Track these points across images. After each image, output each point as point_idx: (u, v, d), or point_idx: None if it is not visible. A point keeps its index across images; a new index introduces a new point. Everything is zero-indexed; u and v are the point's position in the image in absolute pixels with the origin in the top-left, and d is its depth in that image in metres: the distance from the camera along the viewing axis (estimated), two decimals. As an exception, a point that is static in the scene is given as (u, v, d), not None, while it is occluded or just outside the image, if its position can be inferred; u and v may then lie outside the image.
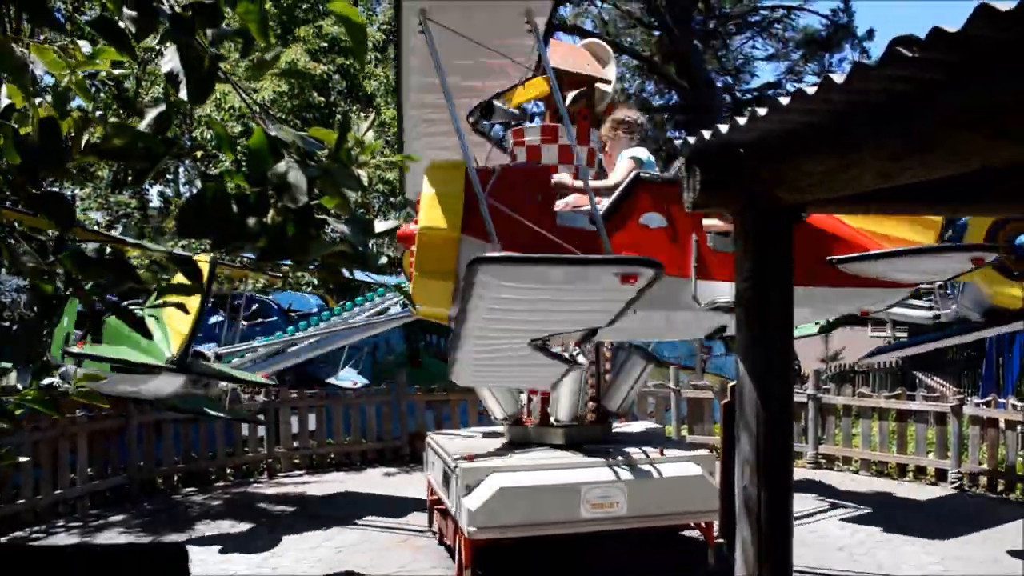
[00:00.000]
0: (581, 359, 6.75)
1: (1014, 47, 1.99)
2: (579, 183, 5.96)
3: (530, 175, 5.65)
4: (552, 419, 7.30)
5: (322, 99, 14.43)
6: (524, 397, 7.64)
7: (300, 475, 10.93)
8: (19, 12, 1.74)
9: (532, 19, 4.81)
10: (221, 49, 1.71)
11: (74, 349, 7.10)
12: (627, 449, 7.07)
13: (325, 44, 14.70)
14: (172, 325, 7.64)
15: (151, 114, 1.84)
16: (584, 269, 4.24)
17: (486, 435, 7.94)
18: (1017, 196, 3.04)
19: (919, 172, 2.48)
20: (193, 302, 7.31)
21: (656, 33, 24.96)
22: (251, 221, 1.62)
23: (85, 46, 1.87)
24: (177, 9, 1.65)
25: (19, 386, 2.13)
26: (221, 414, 9.21)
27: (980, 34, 1.95)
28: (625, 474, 6.65)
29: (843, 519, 8.55)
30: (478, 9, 4.79)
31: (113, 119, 1.82)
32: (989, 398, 9.97)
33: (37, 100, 1.85)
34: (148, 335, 1.99)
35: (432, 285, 5.27)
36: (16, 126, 1.78)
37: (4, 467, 6.21)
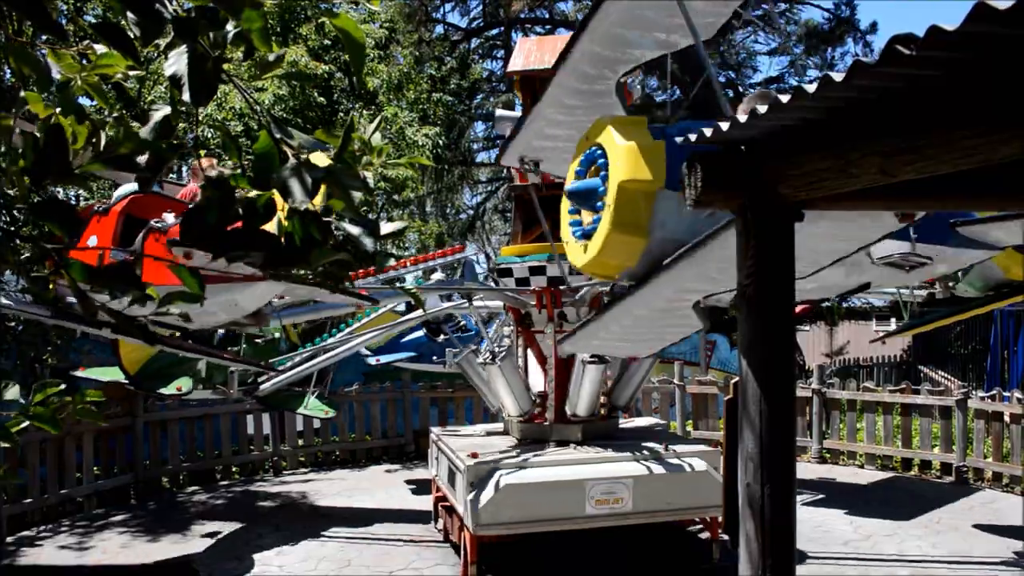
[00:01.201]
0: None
1: (1013, 45, 2.00)
2: None
3: None
4: (570, 414, 7.39)
5: (323, 99, 14.40)
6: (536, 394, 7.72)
7: (305, 473, 10.98)
8: (20, 17, 1.74)
9: None
10: (224, 50, 1.71)
11: (78, 373, 8.44)
12: (632, 445, 7.10)
13: (328, 42, 14.66)
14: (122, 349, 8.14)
15: (155, 117, 1.84)
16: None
17: (491, 432, 7.96)
18: (1018, 192, 3.04)
19: (919, 169, 2.48)
20: None
21: (658, 28, 24.90)
22: (256, 228, 1.63)
23: (101, 49, 1.87)
24: (180, 12, 1.66)
25: (21, 400, 2.12)
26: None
27: (979, 32, 1.96)
28: (630, 470, 6.67)
29: (848, 514, 8.55)
30: None
31: (115, 117, 1.82)
32: (994, 392, 9.97)
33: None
34: (153, 343, 2.02)
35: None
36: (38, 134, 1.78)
37: (6, 480, 6.59)
